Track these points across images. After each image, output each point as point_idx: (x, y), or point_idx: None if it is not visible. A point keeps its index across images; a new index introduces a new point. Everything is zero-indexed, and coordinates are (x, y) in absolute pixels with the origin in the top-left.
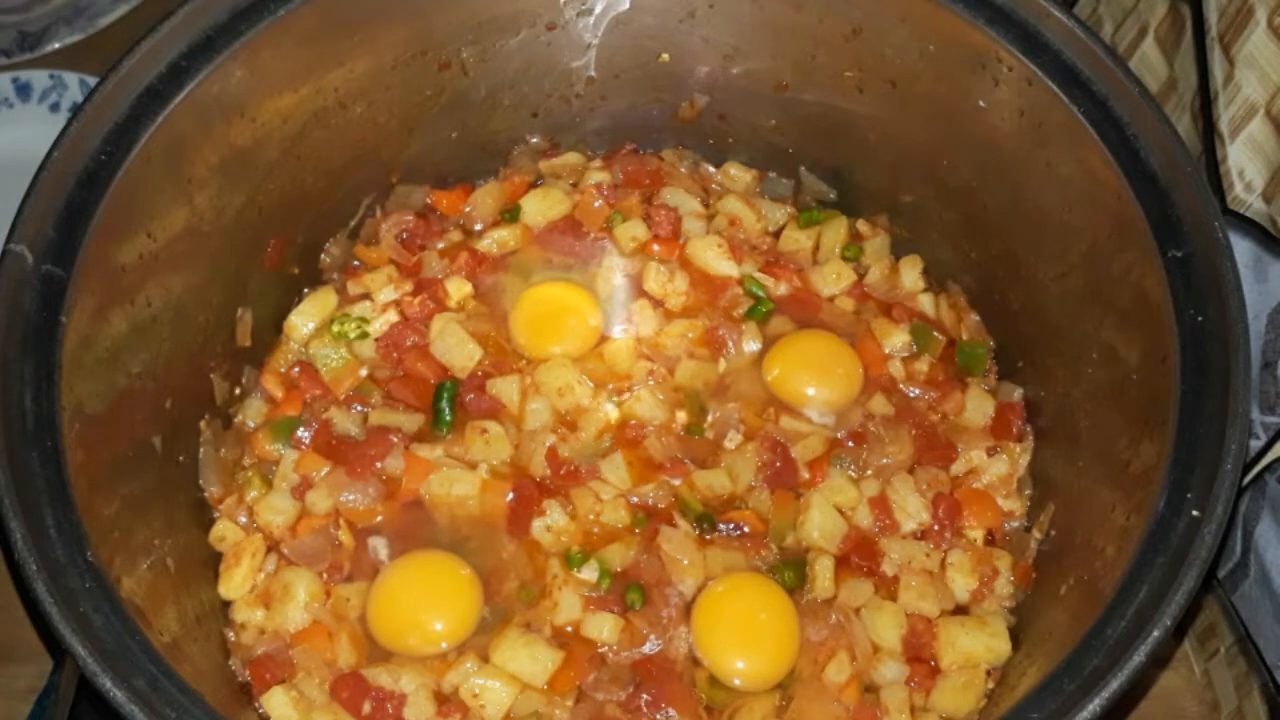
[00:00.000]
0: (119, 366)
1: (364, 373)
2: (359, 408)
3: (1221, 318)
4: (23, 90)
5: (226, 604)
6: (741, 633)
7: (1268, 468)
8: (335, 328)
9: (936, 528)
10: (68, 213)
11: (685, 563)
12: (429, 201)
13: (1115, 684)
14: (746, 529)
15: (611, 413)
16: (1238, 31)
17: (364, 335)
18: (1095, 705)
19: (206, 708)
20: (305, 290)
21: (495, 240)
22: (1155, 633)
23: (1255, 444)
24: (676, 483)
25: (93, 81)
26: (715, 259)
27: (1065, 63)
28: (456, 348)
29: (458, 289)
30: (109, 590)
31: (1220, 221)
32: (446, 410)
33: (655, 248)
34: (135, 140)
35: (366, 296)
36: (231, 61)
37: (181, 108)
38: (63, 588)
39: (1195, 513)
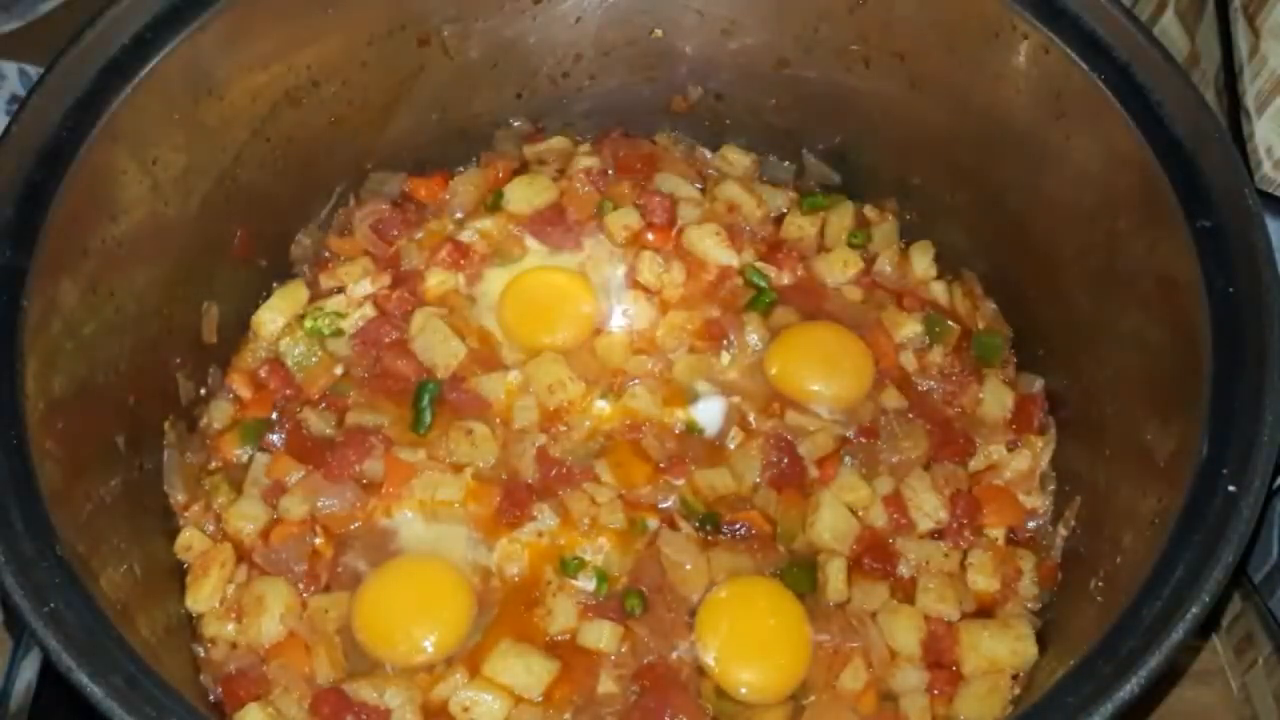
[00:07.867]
0: (81, 357)
1: (339, 371)
2: (334, 409)
3: (1254, 288)
4: None
5: (197, 617)
6: (749, 641)
7: None
8: (308, 323)
9: (955, 526)
10: (28, 191)
11: (688, 567)
12: (406, 189)
13: (1153, 663)
14: (753, 530)
15: (605, 410)
16: (1263, 0)
17: (339, 332)
18: (1133, 685)
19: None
20: (274, 284)
21: (477, 230)
22: (1194, 609)
23: None
24: (677, 483)
25: (34, 72)
26: (713, 248)
27: (1084, 28)
28: (439, 344)
29: (439, 282)
30: (81, 591)
31: (1250, 188)
32: (428, 411)
33: (649, 236)
34: (98, 116)
35: (340, 290)
36: (199, 34)
37: (146, 83)
38: (34, 583)
39: (1231, 488)
